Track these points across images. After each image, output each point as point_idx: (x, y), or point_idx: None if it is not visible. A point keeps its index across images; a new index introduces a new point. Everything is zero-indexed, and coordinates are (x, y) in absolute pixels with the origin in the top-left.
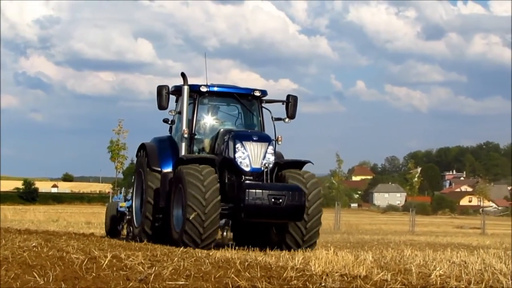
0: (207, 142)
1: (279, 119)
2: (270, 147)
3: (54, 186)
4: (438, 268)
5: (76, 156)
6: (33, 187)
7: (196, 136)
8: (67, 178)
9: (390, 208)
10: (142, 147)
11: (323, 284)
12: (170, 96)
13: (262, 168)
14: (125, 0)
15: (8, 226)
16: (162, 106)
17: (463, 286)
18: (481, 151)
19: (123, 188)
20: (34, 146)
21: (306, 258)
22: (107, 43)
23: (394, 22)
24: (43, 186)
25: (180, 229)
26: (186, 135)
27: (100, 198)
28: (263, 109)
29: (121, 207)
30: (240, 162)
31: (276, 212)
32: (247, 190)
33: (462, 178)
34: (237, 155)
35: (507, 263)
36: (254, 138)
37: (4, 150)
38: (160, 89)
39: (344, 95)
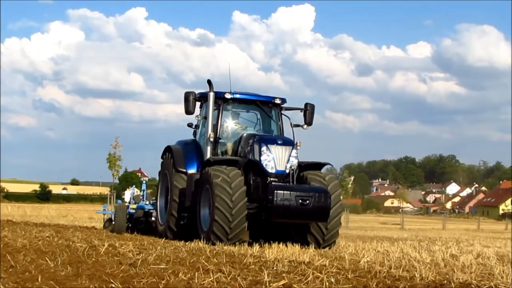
0: (229, 146)
1: (297, 125)
2: (294, 151)
3: (64, 189)
4: (366, 256)
5: (82, 165)
6: (47, 189)
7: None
8: (74, 182)
9: None
10: (168, 149)
11: (275, 268)
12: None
13: (287, 170)
14: (120, 42)
15: (27, 221)
16: (189, 111)
17: (385, 270)
18: (401, 163)
19: (131, 193)
20: (49, 157)
21: (262, 247)
22: (106, 76)
23: (333, 61)
24: (55, 189)
25: (207, 229)
26: (212, 139)
27: (100, 199)
28: (282, 116)
29: (132, 209)
30: (266, 165)
31: (303, 213)
32: (275, 191)
33: (386, 185)
34: (262, 157)
35: (421, 252)
36: (279, 142)
37: (25, 160)
38: (187, 95)
39: (293, 120)
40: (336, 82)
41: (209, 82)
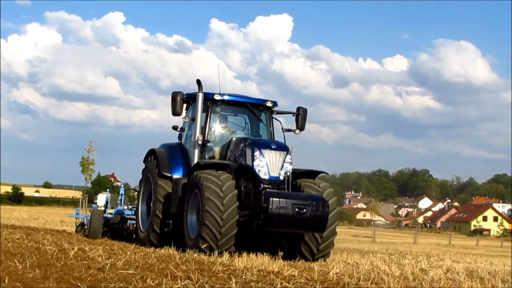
0: (217, 150)
1: (289, 130)
2: (288, 156)
3: (36, 191)
4: (335, 267)
5: (55, 168)
6: (19, 191)
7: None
8: (47, 185)
9: None
10: (152, 153)
11: (243, 277)
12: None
13: (282, 177)
14: (97, 46)
15: None
16: (176, 112)
17: (354, 282)
18: (374, 176)
19: (107, 196)
20: (22, 159)
21: (232, 255)
22: (82, 80)
23: (309, 72)
24: (28, 191)
25: (195, 235)
26: (200, 142)
27: (72, 203)
28: (273, 120)
29: (108, 213)
30: (259, 170)
31: (300, 222)
32: (271, 198)
33: (358, 197)
34: (255, 163)
35: (390, 265)
36: (273, 147)
37: None
38: (175, 95)
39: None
40: (311, 93)
41: (198, 82)
